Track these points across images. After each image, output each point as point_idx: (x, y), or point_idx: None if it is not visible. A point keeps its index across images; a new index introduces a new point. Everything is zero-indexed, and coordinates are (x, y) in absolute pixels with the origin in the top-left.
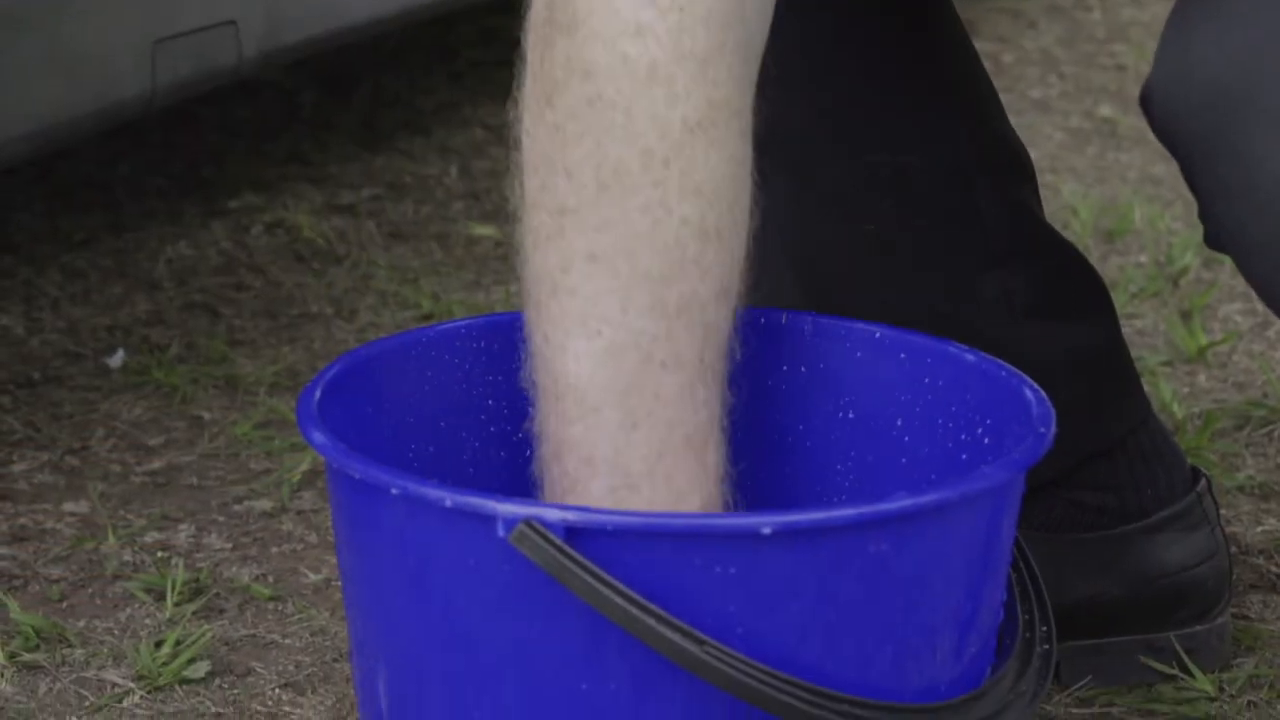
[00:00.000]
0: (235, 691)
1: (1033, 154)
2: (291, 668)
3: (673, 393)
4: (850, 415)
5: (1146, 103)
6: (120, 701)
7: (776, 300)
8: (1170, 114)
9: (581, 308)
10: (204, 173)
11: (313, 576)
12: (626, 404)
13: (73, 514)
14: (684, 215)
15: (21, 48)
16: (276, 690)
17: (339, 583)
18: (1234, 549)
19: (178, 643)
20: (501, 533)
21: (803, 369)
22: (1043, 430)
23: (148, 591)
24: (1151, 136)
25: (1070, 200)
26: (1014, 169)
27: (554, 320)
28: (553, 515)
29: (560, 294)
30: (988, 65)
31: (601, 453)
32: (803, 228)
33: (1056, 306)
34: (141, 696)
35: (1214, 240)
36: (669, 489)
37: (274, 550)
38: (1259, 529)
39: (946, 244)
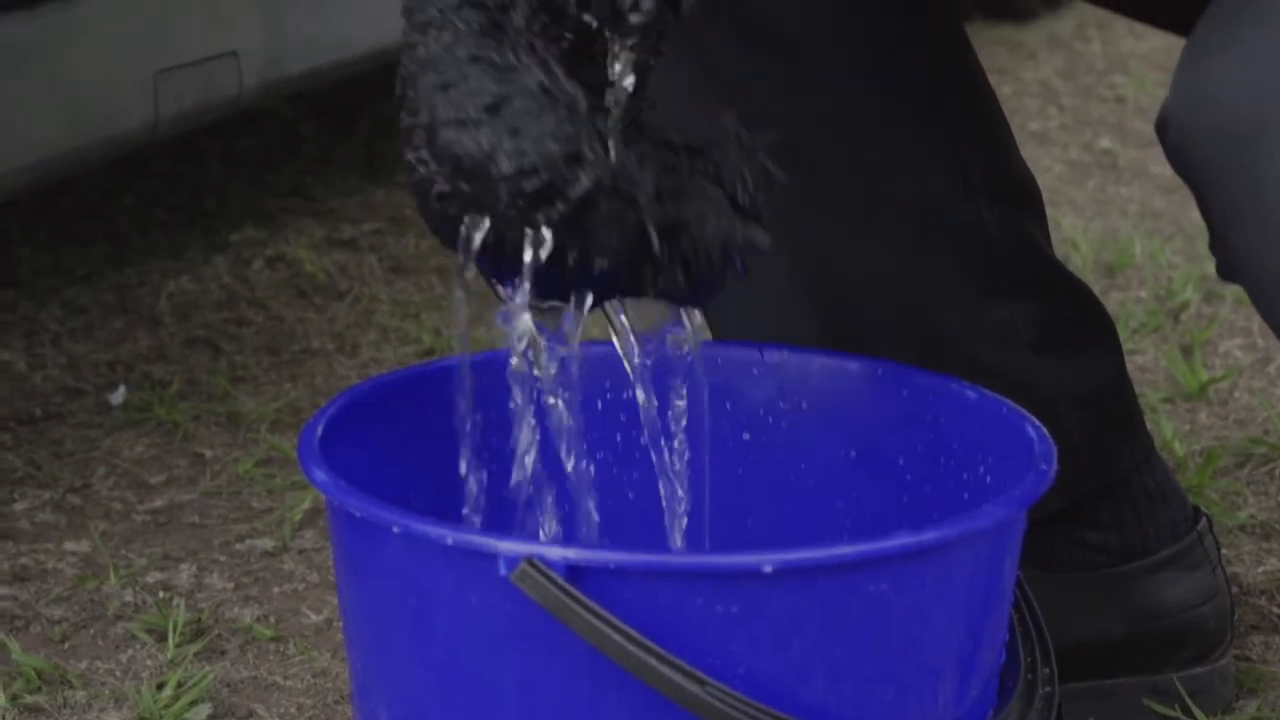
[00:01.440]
0: None
1: None
2: (294, 710)
3: None
4: (852, 453)
5: (1162, 130)
6: None
7: (780, 318)
8: (1185, 141)
9: None
10: (206, 205)
11: (314, 617)
12: None
13: (74, 553)
14: None
15: (24, 78)
16: None
17: (340, 623)
18: (1235, 589)
19: (179, 685)
20: (503, 571)
21: (804, 405)
22: (1044, 468)
23: (149, 632)
24: (1152, 169)
25: (1070, 234)
26: (1024, 201)
27: None
28: (554, 554)
29: None
30: None
31: None
32: (811, 243)
33: (1062, 341)
34: None
35: (1226, 270)
36: None
37: (275, 590)
38: (1260, 569)
39: (955, 271)
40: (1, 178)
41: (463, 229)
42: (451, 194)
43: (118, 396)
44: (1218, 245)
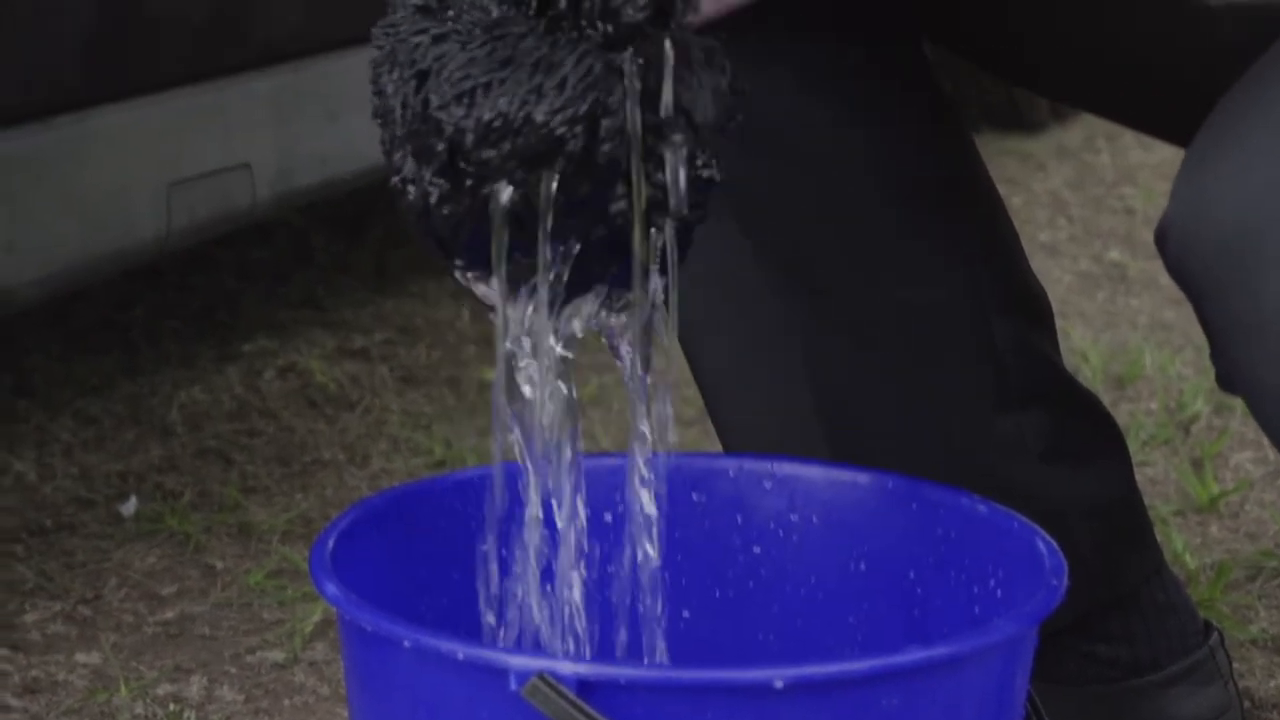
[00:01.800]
0: None
1: None
2: None
3: None
4: (862, 566)
5: (1161, 240)
6: None
7: (790, 430)
8: (1185, 252)
9: None
10: (218, 316)
11: None
12: None
13: (85, 665)
14: None
15: (39, 190)
16: None
17: None
18: (1247, 704)
19: None
20: (514, 686)
21: (814, 519)
22: (1055, 582)
23: None
24: (1162, 280)
25: (1080, 345)
26: (1031, 312)
27: None
28: (565, 668)
29: None
30: None
31: None
32: (818, 351)
33: (1072, 452)
34: None
35: (1226, 382)
36: None
37: (286, 703)
38: (1272, 683)
39: (962, 382)
40: (15, 289)
41: (503, 192)
42: (465, 175)
43: (129, 507)
44: (1217, 355)
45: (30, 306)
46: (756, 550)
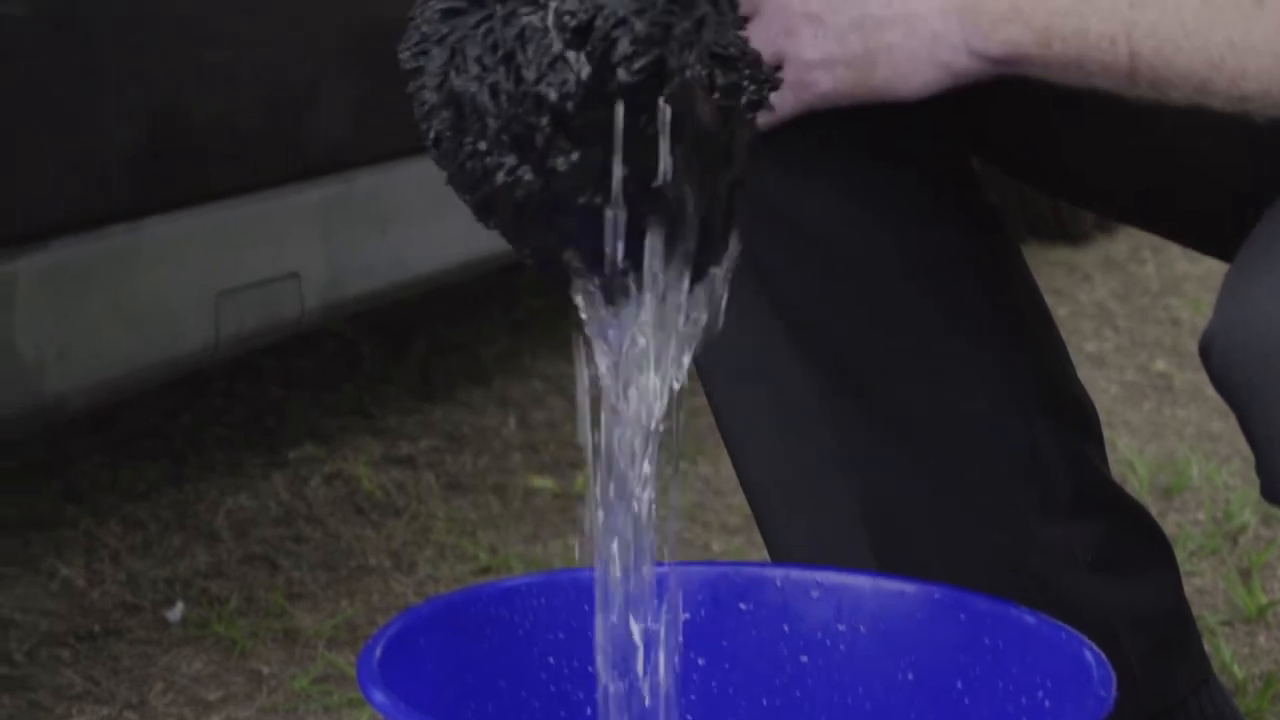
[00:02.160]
0: None
1: None
2: None
3: None
4: (910, 676)
5: (1205, 353)
6: None
7: (836, 539)
8: (1229, 364)
9: None
10: (265, 423)
11: None
12: None
13: None
14: None
15: (88, 300)
16: None
17: None
18: None
19: None
20: None
21: (862, 629)
22: (1103, 694)
23: None
24: (1208, 391)
25: (1127, 455)
26: (1080, 422)
27: None
28: None
29: None
30: None
31: None
32: (865, 459)
33: (1120, 563)
34: None
35: (1271, 493)
36: None
37: None
38: None
39: (1010, 492)
40: (65, 397)
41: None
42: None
43: (175, 613)
44: (1262, 467)
45: (80, 414)
46: (804, 660)
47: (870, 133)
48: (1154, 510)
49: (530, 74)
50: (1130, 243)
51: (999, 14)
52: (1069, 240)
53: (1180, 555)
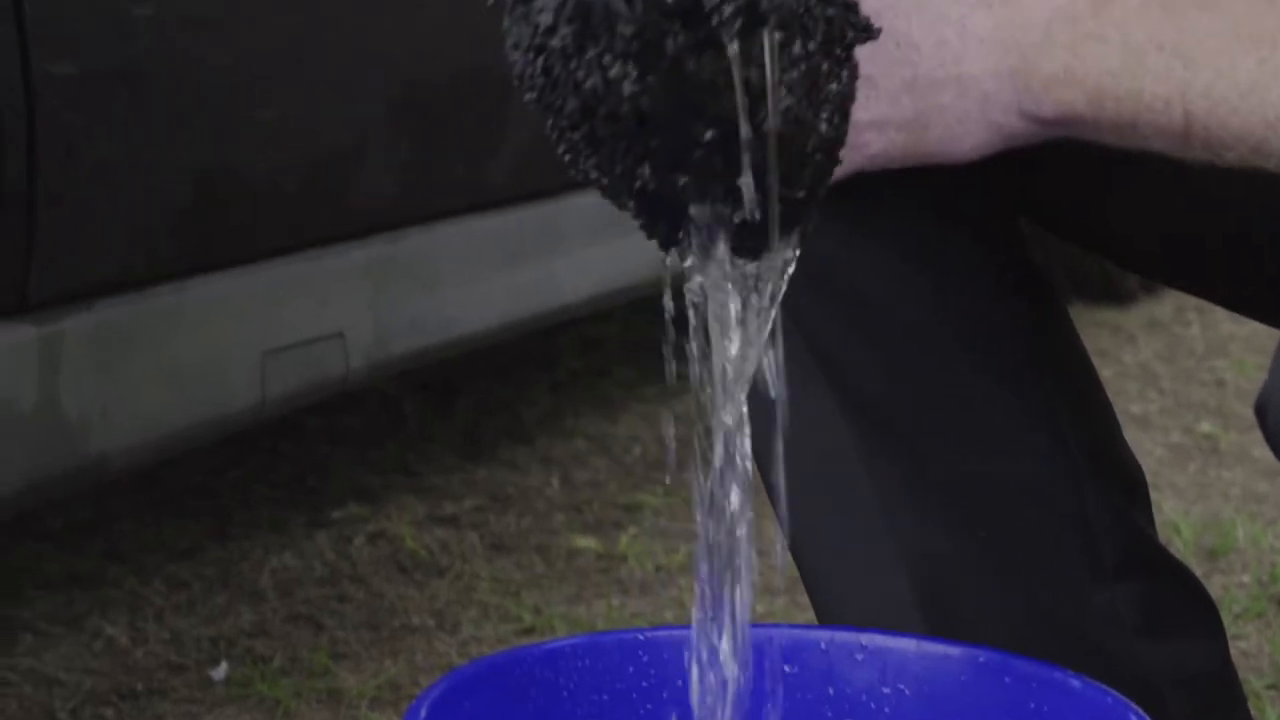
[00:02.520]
0: None
1: None
2: None
3: None
4: None
5: (1262, 413)
6: None
7: (882, 602)
8: None
9: None
10: (309, 482)
11: None
12: None
13: None
14: None
15: (133, 360)
16: None
17: None
18: None
19: None
20: None
21: (907, 691)
22: None
23: None
24: (1254, 453)
25: (1172, 517)
26: (1126, 484)
27: None
28: None
29: None
30: None
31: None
32: (912, 521)
33: (1165, 625)
34: None
35: None
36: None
37: None
38: None
39: (1056, 556)
40: (109, 456)
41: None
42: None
43: (219, 672)
44: None
45: (124, 474)
46: None
47: (923, 195)
48: (1199, 572)
49: None
50: (1175, 304)
51: (1051, 75)
52: (1114, 301)
53: (1226, 618)
